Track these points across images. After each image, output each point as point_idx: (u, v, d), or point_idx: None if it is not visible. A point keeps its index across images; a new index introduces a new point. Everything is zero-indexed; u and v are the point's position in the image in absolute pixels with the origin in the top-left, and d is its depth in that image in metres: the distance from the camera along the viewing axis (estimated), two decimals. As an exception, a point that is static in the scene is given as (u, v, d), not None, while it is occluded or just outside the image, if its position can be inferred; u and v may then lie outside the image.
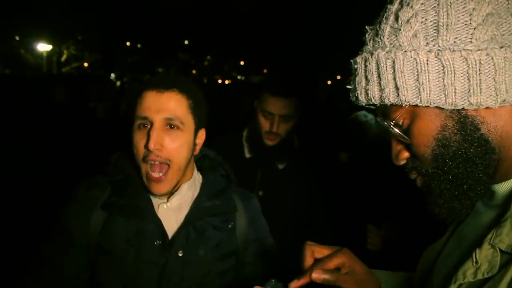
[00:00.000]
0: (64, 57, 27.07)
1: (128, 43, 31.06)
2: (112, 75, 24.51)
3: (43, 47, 25.02)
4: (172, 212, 1.57)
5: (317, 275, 0.98)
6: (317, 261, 1.05)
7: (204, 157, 1.75)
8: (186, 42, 35.16)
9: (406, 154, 0.93)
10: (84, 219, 1.51)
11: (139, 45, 32.75)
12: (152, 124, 1.45)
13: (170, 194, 1.58)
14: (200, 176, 1.70)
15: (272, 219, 2.43)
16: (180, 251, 1.51)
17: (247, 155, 2.50)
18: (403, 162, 0.94)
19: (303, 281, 1.01)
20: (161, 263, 1.49)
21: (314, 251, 1.07)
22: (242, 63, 40.25)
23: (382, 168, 2.66)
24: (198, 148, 1.61)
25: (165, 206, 1.57)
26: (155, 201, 1.56)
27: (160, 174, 1.47)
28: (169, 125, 1.47)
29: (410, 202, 2.13)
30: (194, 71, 38.63)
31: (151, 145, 1.42)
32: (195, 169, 1.69)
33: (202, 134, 1.61)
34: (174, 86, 1.50)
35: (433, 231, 1.33)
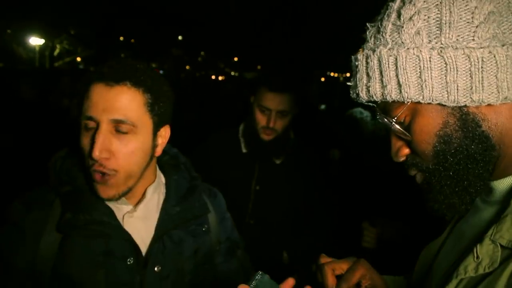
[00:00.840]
0: (57, 52, 26.85)
1: (121, 38, 30.88)
2: (105, 70, 24.30)
3: (36, 41, 24.81)
4: (139, 222, 1.38)
5: None
6: (338, 278, 1.08)
7: (164, 153, 1.51)
8: (180, 37, 35.02)
9: (406, 151, 0.94)
10: (30, 248, 1.26)
11: (132, 40, 32.58)
12: (98, 126, 1.22)
13: (136, 201, 1.41)
14: (162, 175, 1.52)
15: (268, 213, 2.45)
16: (157, 267, 1.36)
17: (244, 150, 2.51)
18: (403, 158, 0.95)
19: None
20: (137, 282, 1.32)
21: (334, 269, 1.09)
22: (236, 59, 40.18)
23: (378, 165, 2.68)
24: (160, 149, 1.38)
25: (131, 215, 1.37)
26: (118, 211, 1.35)
27: (105, 176, 1.26)
28: (118, 129, 1.23)
29: (406, 199, 2.15)
30: (187, 67, 38.51)
31: (96, 153, 1.19)
32: (157, 168, 1.50)
33: (165, 132, 1.39)
34: (126, 78, 1.24)
35: (428, 229, 1.34)
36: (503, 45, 0.80)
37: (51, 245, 1.27)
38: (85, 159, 1.27)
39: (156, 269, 1.36)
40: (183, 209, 1.45)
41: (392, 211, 2.26)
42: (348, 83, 0.97)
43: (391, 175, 2.24)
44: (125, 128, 1.23)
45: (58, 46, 26.70)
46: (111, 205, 1.35)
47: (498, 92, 0.80)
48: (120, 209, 1.37)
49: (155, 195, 1.44)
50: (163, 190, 1.48)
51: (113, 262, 1.30)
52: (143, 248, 1.37)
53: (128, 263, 1.31)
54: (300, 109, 2.53)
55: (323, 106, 7.36)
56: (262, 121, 2.39)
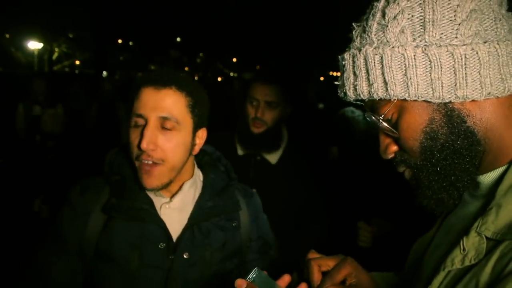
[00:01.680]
0: (55, 55, 26.88)
1: (119, 41, 30.90)
2: (104, 72, 24.38)
3: (34, 45, 24.83)
4: (175, 212, 1.52)
5: None
6: (324, 275, 1.09)
7: (203, 152, 1.69)
8: (178, 39, 35.04)
9: (394, 148, 0.96)
10: (80, 226, 1.45)
11: (131, 43, 32.61)
12: (146, 122, 1.39)
13: (172, 194, 1.54)
14: (201, 173, 1.65)
15: (267, 216, 2.45)
16: (186, 253, 1.47)
17: (240, 152, 2.51)
18: (391, 156, 0.97)
19: None
20: (166, 267, 1.45)
21: (320, 265, 1.10)
22: (234, 60, 40.19)
23: (371, 164, 2.69)
24: (197, 148, 1.54)
25: (167, 206, 1.52)
26: (156, 201, 1.51)
27: (151, 166, 1.41)
28: (164, 125, 1.40)
29: (400, 198, 2.16)
30: (186, 69, 38.52)
31: (144, 145, 1.36)
32: (195, 166, 1.64)
33: (202, 133, 1.54)
34: (172, 83, 1.43)
35: (421, 225, 1.36)
36: (485, 42, 0.82)
37: (97, 225, 1.45)
38: (133, 152, 1.43)
39: (185, 255, 1.47)
40: (215, 205, 1.56)
41: (386, 210, 2.27)
42: (336, 83, 0.99)
43: (384, 174, 2.26)
44: (169, 124, 1.40)
45: (56, 49, 26.73)
46: (151, 195, 1.50)
47: (482, 88, 0.82)
48: (159, 200, 1.52)
49: (191, 190, 1.57)
50: (199, 186, 1.61)
51: (147, 245, 1.44)
52: (175, 236, 1.49)
53: (160, 247, 1.45)
54: (294, 105, 2.53)
55: (321, 105, 7.37)
56: (251, 113, 2.41)
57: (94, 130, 4.71)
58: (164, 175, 1.43)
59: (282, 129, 2.55)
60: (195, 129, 1.50)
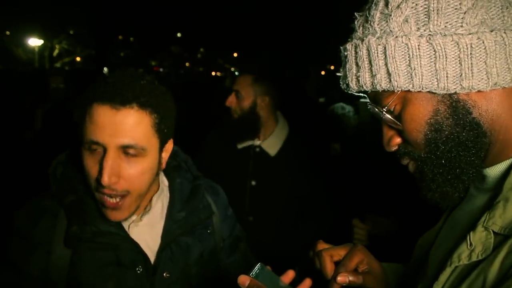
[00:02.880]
0: (56, 52, 26.85)
1: (120, 37, 30.86)
2: (105, 69, 24.36)
3: (35, 42, 24.80)
4: (145, 230, 1.39)
5: (343, 278, 1.03)
6: (336, 265, 1.08)
7: None
8: (178, 34, 34.98)
9: (398, 140, 0.93)
10: (41, 258, 1.27)
11: (131, 39, 32.55)
12: (105, 152, 1.19)
13: (141, 212, 1.40)
14: (165, 178, 1.51)
15: (267, 208, 2.44)
16: (166, 273, 1.38)
17: (239, 145, 2.51)
18: (394, 148, 0.95)
19: None
20: None
21: (332, 255, 1.10)
22: (235, 55, 40.13)
23: (363, 160, 2.68)
24: (164, 162, 1.37)
25: (136, 225, 1.38)
26: (124, 221, 1.35)
27: (117, 200, 1.24)
28: (127, 151, 1.21)
29: (395, 193, 2.15)
30: (187, 64, 38.48)
31: (105, 180, 1.17)
32: (161, 173, 1.49)
33: (169, 146, 1.37)
34: (133, 99, 1.19)
35: (419, 221, 1.34)
36: (491, 31, 0.80)
37: (63, 258, 1.27)
38: (91, 184, 1.25)
39: (165, 275, 1.38)
40: (188, 214, 1.44)
41: (381, 206, 2.26)
42: (338, 74, 0.97)
43: (377, 169, 2.24)
44: (133, 151, 1.21)
45: (57, 46, 26.70)
46: None
47: (488, 78, 0.80)
48: (126, 220, 1.35)
49: (158, 201, 1.44)
50: (166, 193, 1.48)
51: (123, 272, 1.31)
52: (151, 255, 1.37)
53: (138, 271, 1.33)
54: (278, 95, 2.52)
55: (322, 99, 7.33)
56: (227, 101, 2.47)
57: (37, 139, 4.22)
58: (131, 204, 1.28)
59: (280, 119, 2.54)
60: (162, 147, 1.32)
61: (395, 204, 2.20)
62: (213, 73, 30.62)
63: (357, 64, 0.91)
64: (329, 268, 1.08)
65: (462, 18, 0.80)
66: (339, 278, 1.03)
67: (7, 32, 24.80)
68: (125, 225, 1.36)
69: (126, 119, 1.18)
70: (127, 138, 1.19)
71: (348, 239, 2.25)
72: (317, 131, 3.83)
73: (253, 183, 2.45)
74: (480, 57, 0.80)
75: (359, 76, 0.90)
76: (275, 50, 22.83)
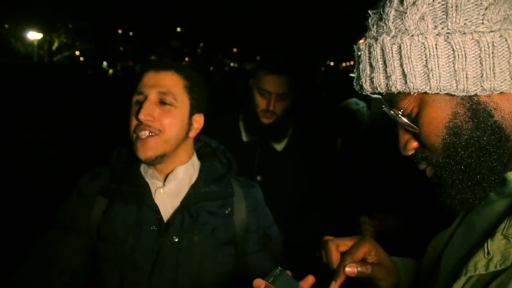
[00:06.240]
0: (55, 46, 26.78)
1: (119, 31, 30.77)
2: (104, 63, 24.31)
3: (34, 36, 24.74)
4: (169, 197, 1.56)
5: (351, 269, 0.99)
6: (343, 255, 1.04)
7: (206, 145, 1.76)
8: (178, 29, 34.90)
9: (414, 144, 0.89)
10: (86, 209, 1.53)
11: (131, 33, 32.47)
12: (146, 98, 1.47)
13: (165, 175, 1.58)
14: (199, 162, 1.68)
15: (272, 203, 2.39)
16: (175, 237, 1.49)
17: (245, 138, 2.45)
18: (411, 152, 0.90)
19: (340, 280, 1.00)
20: (156, 249, 1.47)
21: (338, 245, 1.06)
22: (235, 50, 40.08)
23: (375, 157, 2.64)
24: (194, 131, 1.60)
25: (161, 191, 1.56)
26: (152, 186, 1.55)
27: (148, 135, 1.47)
28: (162, 100, 1.49)
29: (403, 192, 2.11)
30: (187, 59, 38.39)
31: (142, 115, 1.43)
32: (195, 155, 1.67)
33: (199, 118, 1.60)
34: (171, 67, 1.54)
35: (427, 221, 1.30)
36: None
37: (100, 208, 1.54)
38: (131, 126, 1.50)
39: (174, 239, 1.49)
40: (208, 190, 1.59)
41: (389, 204, 2.22)
42: (351, 75, 0.92)
43: (389, 167, 2.20)
44: (167, 99, 1.49)
45: (56, 40, 26.63)
46: (148, 180, 1.56)
47: (511, 79, 0.75)
48: (154, 184, 1.57)
49: (186, 176, 1.60)
50: (196, 172, 1.64)
51: (140, 228, 1.49)
52: (166, 220, 1.53)
53: (152, 229, 1.49)
54: (301, 92, 2.47)
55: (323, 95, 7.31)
56: (262, 104, 2.34)
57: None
58: (159, 145, 1.49)
59: (290, 116, 2.50)
60: (192, 111, 1.57)
61: (399, 202, 2.17)
62: (211, 68, 30.52)
63: (371, 65, 0.86)
64: (334, 257, 1.04)
65: (483, 15, 0.74)
66: (348, 269, 0.98)
67: (6, 25, 24.71)
68: (153, 190, 1.55)
69: (164, 76, 1.51)
70: (163, 87, 1.49)
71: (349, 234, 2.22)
72: (323, 127, 3.78)
73: (259, 178, 2.40)
74: (503, 56, 0.75)
75: (373, 77, 0.85)
76: (279, 44, 22.78)
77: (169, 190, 1.57)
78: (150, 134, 1.47)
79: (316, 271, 1.06)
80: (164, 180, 1.58)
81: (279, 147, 2.45)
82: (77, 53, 29.22)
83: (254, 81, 2.38)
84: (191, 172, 1.62)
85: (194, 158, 1.67)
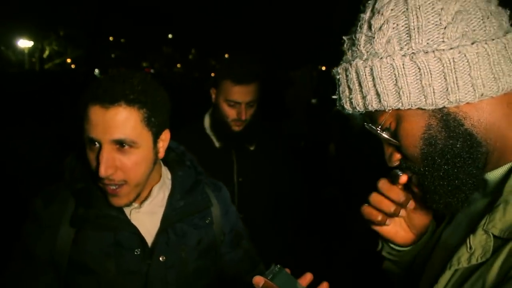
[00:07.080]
0: (46, 53, 26.66)
1: (111, 38, 30.70)
2: (96, 70, 24.23)
3: (24, 44, 24.63)
4: (145, 216, 1.49)
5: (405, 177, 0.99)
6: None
7: (168, 149, 1.56)
8: (170, 36, 34.89)
9: (398, 156, 0.95)
10: (48, 240, 1.40)
11: (122, 40, 32.40)
12: (100, 147, 1.30)
13: (142, 200, 1.49)
14: (168, 172, 1.61)
15: (256, 203, 2.44)
16: (162, 256, 1.46)
17: (217, 145, 2.47)
18: (396, 163, 0.96)
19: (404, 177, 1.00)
20: (144, 271, 1.44)
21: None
22: (227, 55, 40.09)
23: (369, 160, 2.70)
24: (162, 152, 1.45)
25: (137, 211, 1.48)
26: (126, 207, 1.45)
27: (116, 188, 1.35)
28: (120, 144, 1.31)
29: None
30: (178, 65, 38.37)
31: (102, 173, 1.28)
32: (162, 165, 1.58)
33: (165, 135, 1.46)
34: (120, 98, 1.29)
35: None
36: (473, 43, 0.80)
37: (67, 238, 1.40)
38: (93, 173, 1.35)
39: (161, 258, 1.45)
40: (187, 203, 1.53)
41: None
42: (333, 97, 0.99)
43: (383, 169, 2.25)
44: (125, 143, 1.31)
45: (47, 47, 26.51)
46: None
47: (474, 90, 0.81)
48: (128, 205, 1.45)
49: (160, 192, 1.53)
50: (168, 185, 1.56)
51: (122, 253, 1.41)
52: (149, 240, 1.47)
53: (136, 253, 1.42)
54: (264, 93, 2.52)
55: (313, 100, 7.36)
56: (232, 115, 2.36)
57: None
58: (131, 192, 1.38)
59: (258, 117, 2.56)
60: (156, 138, 1.41)
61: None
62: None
63: (348, 87, 0.92)
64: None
65: (443, 34, 0.80)
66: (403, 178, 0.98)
67: (-4, 34, 24.56)
68: (127, 211, 1.46)
69: (115, 116, 1.29)
70: (117, 133, 1.29)
71: (343, 238, 2.27)
72: (287, 125, 3.81)
73: (240, 179, 2.46)
74: (464, 70, 0.80)
75: (351, 98, 0.92)
76: (268, 51, 22.83)
77: (145, 209, 1.49)
78: (117, 186, 1.34)
79: (313, 269, 1.09)
80: (141, 203, 1.49)
81: (251, 146, 2.52)
82: (69, 60, 29.07)
83: (219, 92, 2.38)
84: (164, 186, 1.56)
85: (163, 170, 1.59)
